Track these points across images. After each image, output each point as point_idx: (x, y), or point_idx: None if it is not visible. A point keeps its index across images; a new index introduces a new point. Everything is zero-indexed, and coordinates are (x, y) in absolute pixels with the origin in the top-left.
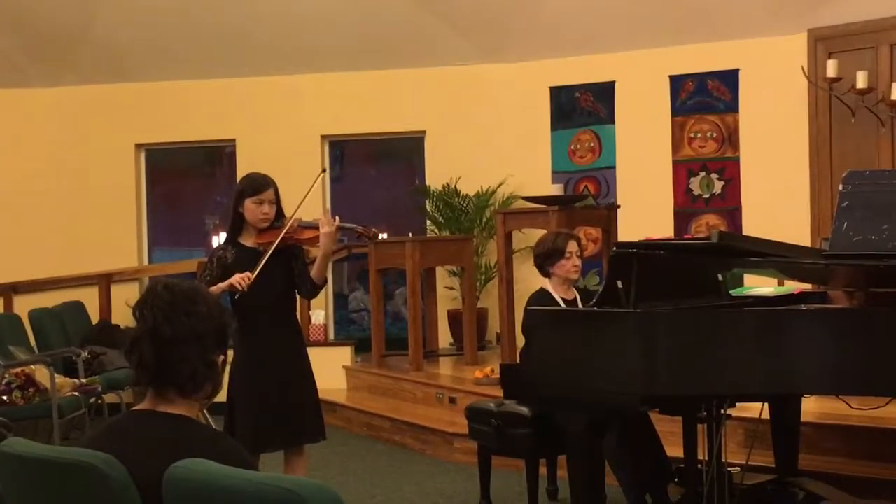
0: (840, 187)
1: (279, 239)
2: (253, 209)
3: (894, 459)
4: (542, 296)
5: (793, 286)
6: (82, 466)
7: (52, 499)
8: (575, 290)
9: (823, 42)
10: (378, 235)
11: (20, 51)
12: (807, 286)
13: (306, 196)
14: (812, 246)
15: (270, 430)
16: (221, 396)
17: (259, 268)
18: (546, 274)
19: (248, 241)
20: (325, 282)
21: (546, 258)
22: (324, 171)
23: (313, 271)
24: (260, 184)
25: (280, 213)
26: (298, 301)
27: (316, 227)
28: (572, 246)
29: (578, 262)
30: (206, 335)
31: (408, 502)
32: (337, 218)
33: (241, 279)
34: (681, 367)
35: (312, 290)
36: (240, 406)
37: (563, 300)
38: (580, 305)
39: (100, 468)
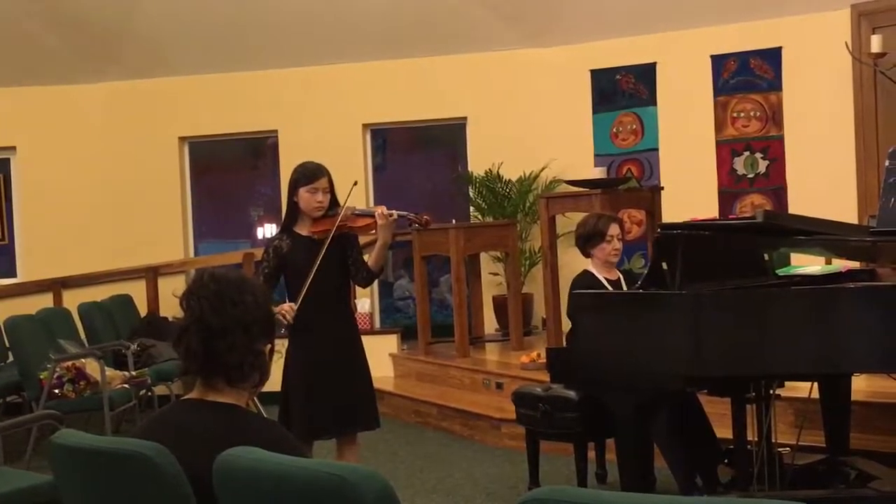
0: (886, 163)
1: (335, 227)
2: (307, 198)
3: None
4: (586, 278)
5: (840, 264)
6: (133, 456)
7: (104, 488)
8: (618, 271)
9: (867, 17)
10: (430, 223)
11: (65, 48)
12: (855, 264)
13: (344, 204)
14: (859, 223)
15: (325, 417)
16: (275, 385)
17: (307, 283)
18: (587, 255)
19: (302, 229)
20: (382, 271)
21: (587, 240)
22: (355, 183)
23: (371, 260)
24: (313, 172)
25: (334, 202)
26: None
27: (369, 216)
28: (614, 229)
29: (619, 245)
30: (253, 324)
31: (457, 488)
32: (394, 213)
33: (285, 310)
34: (727, 347)
35: (368, 278)
36: (295, 394)
37: (607, 280)
38: (624, 286)
39: (150, 457)
